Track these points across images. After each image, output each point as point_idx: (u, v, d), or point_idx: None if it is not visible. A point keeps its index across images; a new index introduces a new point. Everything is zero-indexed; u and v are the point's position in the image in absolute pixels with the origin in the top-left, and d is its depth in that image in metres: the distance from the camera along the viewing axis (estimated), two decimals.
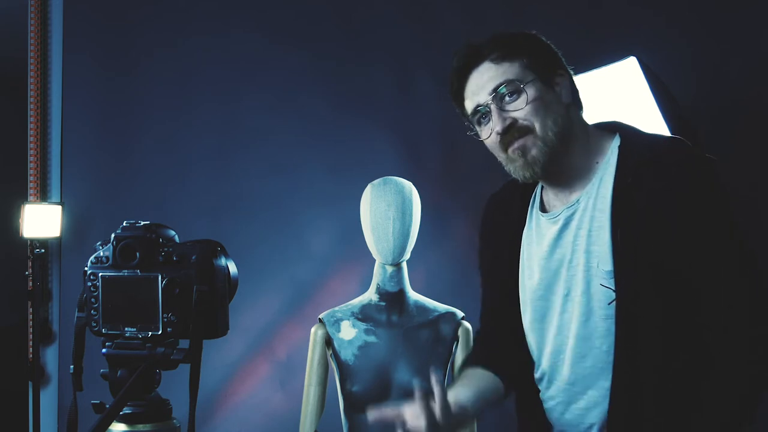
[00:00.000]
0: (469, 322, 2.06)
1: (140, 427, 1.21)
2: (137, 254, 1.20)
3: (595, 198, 1.44)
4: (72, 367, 1.23)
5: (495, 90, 1.44)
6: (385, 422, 1.37)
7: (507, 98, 1.44)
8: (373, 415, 1.38)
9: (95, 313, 1.22)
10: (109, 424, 1.13)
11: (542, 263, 1.50)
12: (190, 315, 1.18)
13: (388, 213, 1.99)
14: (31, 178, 3.18)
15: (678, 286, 1.36)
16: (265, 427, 2.95)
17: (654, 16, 2.77)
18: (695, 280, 1.36)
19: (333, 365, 2.04)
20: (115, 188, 3.11)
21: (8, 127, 4.06)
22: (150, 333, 1.20)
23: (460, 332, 2.04)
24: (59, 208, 3.05)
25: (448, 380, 2.05)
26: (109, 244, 1.22)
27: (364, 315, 2.04)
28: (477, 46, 1.49)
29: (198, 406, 1.17)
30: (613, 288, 1.39)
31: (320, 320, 2.06)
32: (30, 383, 3.11)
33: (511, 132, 1.43)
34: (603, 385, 1.42)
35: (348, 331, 2.03)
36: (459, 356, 2.03)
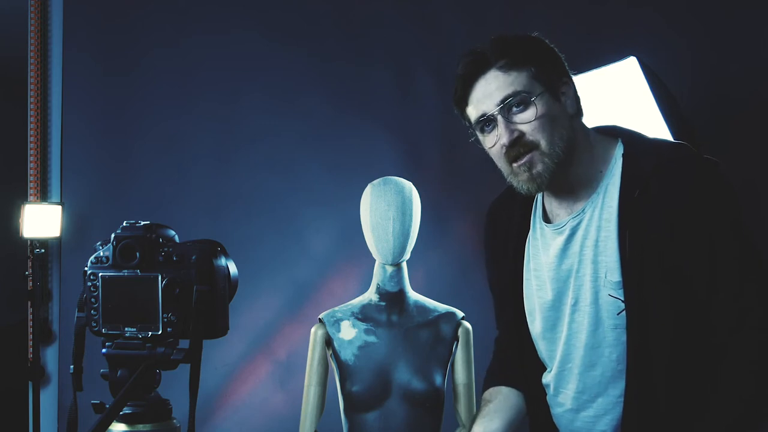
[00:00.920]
0: (469, 322, 2.06)
1: (140, 427, 1.21)
2: (137, 254, 1.20)
3: (600, 208, 1.43)
4: (72, 367, 1.23)
5: (503, 101, 1.41)
6: None
7: (515, 109, 1.41)
8: None
9: (95, 313, 1.22)
10: (109, 424, 1.13)
11: (551, 274, 1.48)
12: (190, 315, 1.18)
13: (388, 213, 1.99)
14: (31, 178, 3.18)
15: (687, 294, 1.35)
16: (265, 427, 2.95)
17: (654, 16, 2.77)
18: (705, 287, 1.35)
19: (333, 365, 2.04)
20: (115, 188, 3.11)
21: (8, 127, 4.06)
22: (150, 333, 1.20)
23: (460, 332, 2.03)
24: (59, 208, 3.05)
25: (448, 380, 2.05)
26: (109, 244, 1.22)
27: (364, 315, 2.04)
28: (483, 53, 1.45)
29: (198, 406, 1.17)
30: (622, 298, 1.38)
31: (320, 320, 2.06)
32: (30, 383, 3.11)
33: (518, 146, 1.41)
34: (613, 393, 1.42)
35: (348, 331, 2.03)
36: (459, 356, 2.03)
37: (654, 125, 2.28)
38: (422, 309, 2.06)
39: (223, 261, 1.23)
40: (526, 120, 1.41)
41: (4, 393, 3.82)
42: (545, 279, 1.50)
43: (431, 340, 2.02)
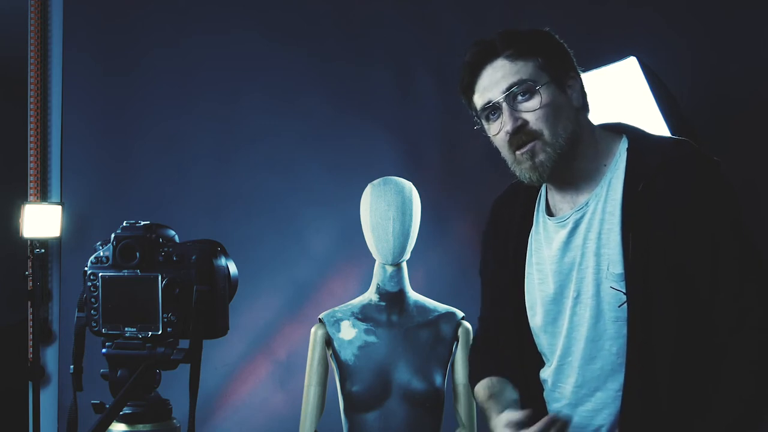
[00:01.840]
0: (469, 322, 2.06)
1: (140, 427, 1.21)
2: (137, 254, 1.20)
3: (604, 201, 1.44)
4: (72, 367, 1.23)
5: (509, 88, 1.43)
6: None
7: (520, 98, 1.43)
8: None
9: (95, 313, 1.22)
10: (109, 424, 1.13)
11: (554, 267, 1.49)
12: (190, 315, 1.18)
13: (388, 213, 1.99)
14: (31, 178, 3.18)
15: (689, 288, 1.36)
16: (265, 427, 2.95)
17: (654, 16, 2.77)
18: (706, 285, 1.35)
19: (333, 365, 2.04)
20: (115, 188, 3.11)
21: (8, 127, 4.06)
22: (150, 333, 1.20)
23: (460, 332, 2.04)
24: (59, 208, 3.05)
25: (448, 380, 2.05)
26: (109, 244, 1.22)
27: (364, 315, 2.04)
28: (491, 41, 1.46)
29: (198, 406, 1.17)
30: (624, 291, 1.38)
31: (320, 320, 2.06)
32: (30, 383, 3.11)
33: (520, 134, 1.42)
34: (611, 387, 1.42)
35: (348, 331, 2.03)
36: (459, 356, 2.03)
37: (654, 125, 2.28)
38: (422, 309, 2.06)
39: (223, 261, 1.23)
40: (531, 108, 1.42)
41: (4, 393, 3.83)
42: (547, 272, 1.50)
43: (431, 340, 2.02)
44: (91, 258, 1.24)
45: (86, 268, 1.23)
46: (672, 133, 2.27)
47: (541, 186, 1.57)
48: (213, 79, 3.12)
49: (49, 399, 3.14)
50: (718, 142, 2.42)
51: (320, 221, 3.01)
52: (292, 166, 3.05)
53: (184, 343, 1.19)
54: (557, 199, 1.52)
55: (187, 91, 3.12)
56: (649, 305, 1.36)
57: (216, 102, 3.11)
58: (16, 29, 3.34)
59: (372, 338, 2.01)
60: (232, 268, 1.25)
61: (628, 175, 1.42)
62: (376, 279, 2.06)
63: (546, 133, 1.42)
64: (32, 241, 3.06)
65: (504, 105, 1.43)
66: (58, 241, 3.13)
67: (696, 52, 2.71)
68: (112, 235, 1.22)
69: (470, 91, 1.50)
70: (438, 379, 1.99)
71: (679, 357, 1.36)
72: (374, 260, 2.06)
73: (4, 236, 3.39)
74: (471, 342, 1.74)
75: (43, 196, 3.17)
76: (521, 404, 1.58)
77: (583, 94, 1.50)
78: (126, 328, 1.21)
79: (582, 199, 1.47)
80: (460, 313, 2.07)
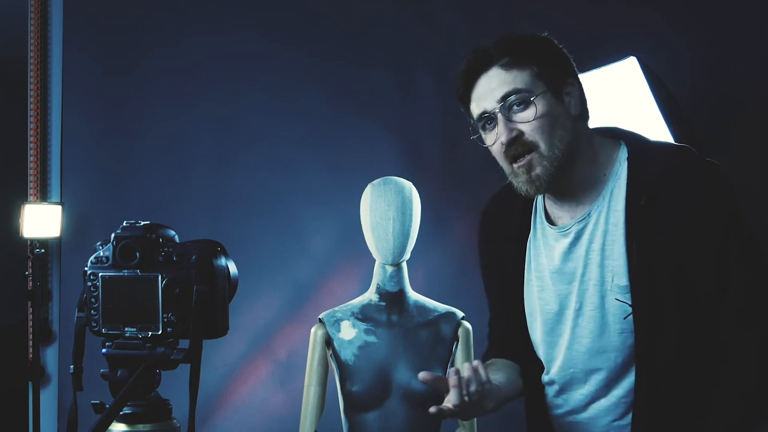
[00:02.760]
0: (469, 322, 2.05)
1: (140, 427, 1.21)
2: (137, 254, 1.20)
3: (607, 212, 1.42)
4: (72, 367, 1.23)
5: (503, 98, 1.41)
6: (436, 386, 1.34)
7: (515, 108, 1.41)
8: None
9: (95, 313, 1.22)
10: (109, 424, 1.13)
11: (554, 276, 1.48)
12: (190, 315, 1.18)
13: (388, 213, 1.99)
14: (31, 178, 3.18)
15: (693, 297, 1.35)
16: (265, 427, 2.95)
17: (654, 16, 2.77)
18: (711, 290, 1.35)
19: (333, 365, 2.04)
20: (115, 188, 3.11)
21: (8, 127, 4.06)
22: (150, 333, 1.20)
23: (460, 332, 2.03)
24: (59, 208, 3.05)
25: None
26: (109, 244, 1.22)
27: (364, 315, 2.04)
28: (486, 50, 1.44)
29: (198, 406, 1.17)
30: (629, 303, 1.37)
31: (320, 320, 2.06)
32: (30, 383, 3.11)
33: (516, 145, 1.41)
34: (615, 393, 1.42)
35: (348, 331, 2.03)
36: (459, 356, 2.03)
37: (654, 125, 2.28)
38: (422, 309, 2.05)
39: (223, 261, 1.23)
40: (526, 119, 1.40)
41: (4, 393, 3.82)
42: (547, 281, 1.49)
43: (431, 340, 2.02)
44: (91, 258, 1.24)
45: (86, 268, 1.23)
46: (672, 134, 2.26)
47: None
48: (213, 79, 3.12)
49: (49, 399, 3.14)
50: (718, 142, 2.42)
51: (320, 221, 3.01)
52: (292, 166, 3.05)
53: (184, 343, 1.19)
54: (556, 208, 1.51)
55: (187, 91, 3.12)
56: (655, 316, 1.35)
57: (216, 102, 3.11)
58: (16, 29, 3.34)
59: (372, 338, 2.01)
60: (232, 268, 1.25)
61: (630, 185, 1.40)
62: (376, 279, 2.06)
63: (542, 145, 1.39)
64: (32, 241, 3.06)
65: (499, 115, 1.41)
66: (58, 241, 3.13)
67: (696, 52, 2.71)
68: (112, 235, 1.22)
69: (467, 99, 1.48)
70: None
71: (686, 365, 1.36)
72: (374, 260, 2.06)
73: (4, 236, 3.39)
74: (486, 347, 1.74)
75: (43, 196, 3.17)
76: (526, 403, 1.59)
77: (582, 101, 1.47)
78: (126, 328, 1.21)
79: (583, 209, 1.45)
80: (460, 313, 2.06)
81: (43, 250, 3.08)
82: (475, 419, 2.05)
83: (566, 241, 1.46)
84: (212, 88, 3.12)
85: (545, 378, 1.54)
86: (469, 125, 1.52)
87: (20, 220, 2.99)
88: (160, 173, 3.09)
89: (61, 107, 3.19)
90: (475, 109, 1.47)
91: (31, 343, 3.09)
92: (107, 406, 1.14)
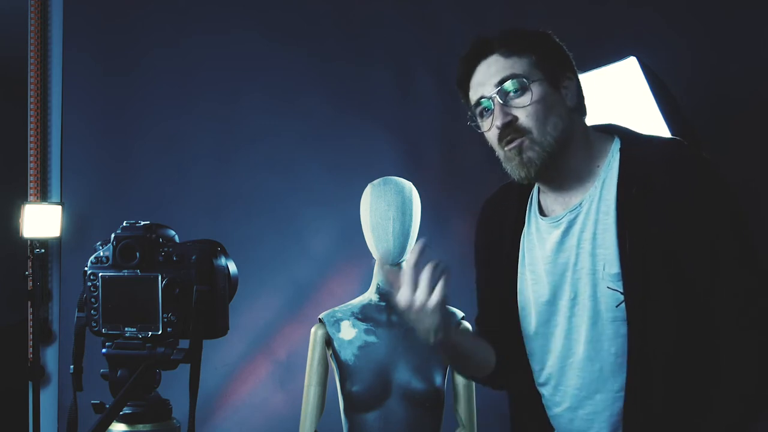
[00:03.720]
0: (469, 322, 2.06)
1: (140, 427, 1.21)
2: (137, 254, 1.20)
3: (598, 201, 1.43)
4: (72, 367, 1.23)
5: (500, 83, 1.43)
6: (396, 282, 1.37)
7: (512, 93, 1.43)
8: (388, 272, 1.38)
9: (95, 313, 1.22)
10: (109, 424, 1.13)
11: (547, 267, 1.49)
12: (190, 315, 1.18)
13: (388, 213, 1.99)
14: (31, 178, 3.19)
15: (686, 285, 1.36)
16: (265, 427, 2.95)
17: (654, 16, 2.77)
18: (705, 281, 1.35)
19: (333, 365, 2.04)
20: (115, 188, 3.11)
21: (8, 127, 4.06)
22: (150, 333, 1.19)
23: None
24: (59, 208, 3.05)
25: (448, 380, 2.05)
26: (109, 244, 1.22)
27: (364, 315, 2.04)
28: (487, 38, 1.48)
29: (198, 406, 1.17)
30: (621, 290, 1.38)
31: (320, 320, 2.06)
32: (30, 383, 3.11)
33: (509, 129, 1.43)
34: (611, 388, 1.42)
35: (348, 331, 2.03)
36: None
37: (654, 125, 2.28)
38: None
39: (223, 261, 1.23)
40: (522, 104, 1.42)
41: (4, 393, 3.83)
42: (541, 273, 1.50)
43: None
44: (91, 258, 1.23)
45: (86, 268, 1.23)
46: (672, 134, 2.27)
47: (532, 186, 1.57)
48: (213, 79, 3.13)
49: (49, 399, 3.14)
50: (718, 142, 2.42)
51: (320, 221, 3.01)
52: (292, 166, 3.05)
53: (184, 343, 1.19)
54: (549, 200, 1.52)
55: (187, 91, 3.13)
56: (646, 304, 1.36)
57: (216, 102, 3.11)
58: (16, 29, 3.34)
59: (372, 338, 2.01)
60: (232, 268, 1.25)
61: (622, 175, 1.42)
62: (376, 279, 2.06)
63: (535, 131, 1.41)
64: (32, 241, 3.06)
65: (495, 99, 1.44)
66: (58, 241, 3.13)
67: (696, 52, 2.71)
68: (112, 235, 1.22)
69: (465, 86, 1.51)
70: (438, 379, 1.99)
71: (678, 354, 1.36)
72: (374, 260, 2.06)
73: (4, 236, 3.39)
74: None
75: (43, 196, 3.17)
76: (517, 412, 1.59)
77: (580, 97, 1.50)
78: (126, 328, 1.21)
79: (575, 199, 1.47)
80: (460, 313, 2.06)
81: (43, 250, 3.08)
82: (475, 420, 2.05)
83: (558, 232, 1.47)
84: (212, 88, 3.12)
85: (540, 378, 1.54)
86: (469, 121, 1.53)
87: (20, 220, 2.99)
88: (160, 173, 3.09)
89: (61, 107, 3.19)
90: (473, 95, 1.49)
91: (31, 343, 3.10)
92: (107, 406, 1.14)
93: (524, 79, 1.42)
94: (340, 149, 3.03)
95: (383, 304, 2.03)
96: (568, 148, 1.45)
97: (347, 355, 2.00)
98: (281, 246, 3.02)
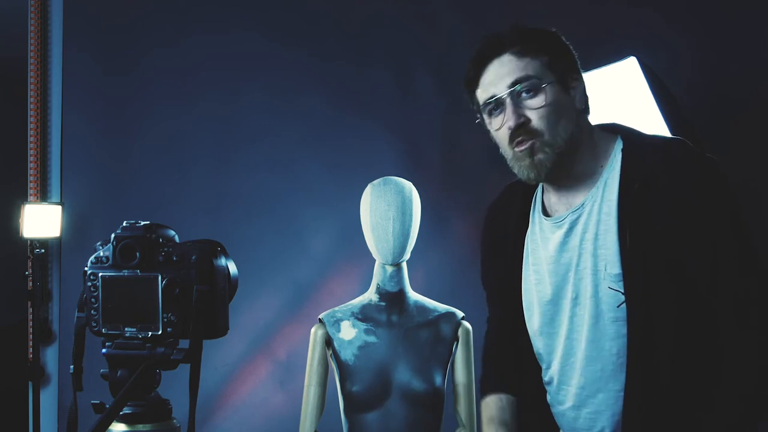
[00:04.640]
0: (469, 322, 2.06)
1: (140, 427, 1.21)
2: (137, 254, 1.20)
3: (600, 202, 1.44)
4: (72, 367, 1.23)
5: (514, 84, 1.43)
6: None
7: (524, 94, 1.43)
8: None
9: (95, 313, 1.22)
10: (109, 424, 1.13)
11: (550, 267, 1.49)
12: (190, 315, 1.18)
13: (388, 213, 1.99)
14: (31, 178, 3.18)
15: (687, 286, 1.36)
16: (265, 427, 2.95)
17: (654, 16, 2.77)
18: (705, 281, 1.35)
19: (333, 365, 2.04)
20: (115, 188, 3.11)
21: (8, 127, 4.06)
22: (150, 333, 1.19)
23: (460, 332, 2.03)
24: (59, 208, 3.05)
25: (448, 380, 2.05)
26: (109, 244, 1.22)
27: (364, 315, 2.04)
28: (499, 37, 1.47)
29: (198, 406, 1.17)
30: (622, 291, 1.38)
31: (320, 320, 2.06)
32: (30, 383, 3.11)
33: (521, 130, 1.43)
34: (612, 387, 1.42)
35: (348, 331, 2.03)
36: (459, 356, 2.03)
37: (654, 125, 2.28)
38: (422, 309, 2.05)
39: (223, 261, 1.23)
40: (534, 106, 1.42)
41: (4, 393, 3.83)
42: (544, 273, 1.50)
43: (431, 340, 2.02)
44: (91, 258, 1.23)
45: (86, 268, 1.23)
46: (672, 134, 2.27)
47: (537, 186, 1.57)
48: (213, 79, 3.12)
49: (49, 399, 3.14)
50: (718, 142, 2.42)
51: (320, 221, 3.01)
52: (292, 166, 3.05)
53: (184, 343, 1.19)
54: (553, 200, 1.52)
55: (187, 91, 3.13)
56: (647, 304, 1.36)
57: (216, 102, 3.11)
58: (16, 29, 3.34)
59: (372, 338, 2.01)
60: (232, 268, 1.25)
61: (624, 175, 1.42)
62: (376, 279, 2.06)
63: (546, 133, 1.42)
64: (32, 241, 3.06)
65: (508, 100, 1.43)
66: (58, 241, 3.13)
67: (696, 52, 2.71)
68: (112, 235, 1.22)
69: (474, 84, 1.50)
70: (438, 379, 1.99)
71: (679, 354, 1.36)
72: (374, 260, 2.06)
73: (4, 236, 3.39)
74: (483, 343, 1.74)
75: (43, 196, 3.17)
76: (522, 410, 1.59)
77: (585, 97, 1.50)
78: (126, 328, 1.21)
79: (578, 200, 1.47)
80: (460, 313, 2.06)
81: (43, 250, 3.08)
82: (475, 420, 2.05)
83: (561, 232, 1.47)
84: (212, 88, 3.12)
85: (545, 377, 1.54)
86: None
87: (20, 220, 2.99)
88: (160, 173, 3.09)
89: (61, 107, 3.19)
90: (483, 93, 1.48)
91: (31, 343, 3.09)
92: (107, 406, 1.14)
93: (537, 81, 1.42)
94: (340, 149, 3.03)
95: (383, 304, 2.03)
96: (575, 149, 1.45)
97: (347, 355, 2.00)
98: (281, 246, 3.02)
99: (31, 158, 3.19)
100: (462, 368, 2.03)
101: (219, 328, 1.22)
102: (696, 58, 2.70)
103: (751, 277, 1.35)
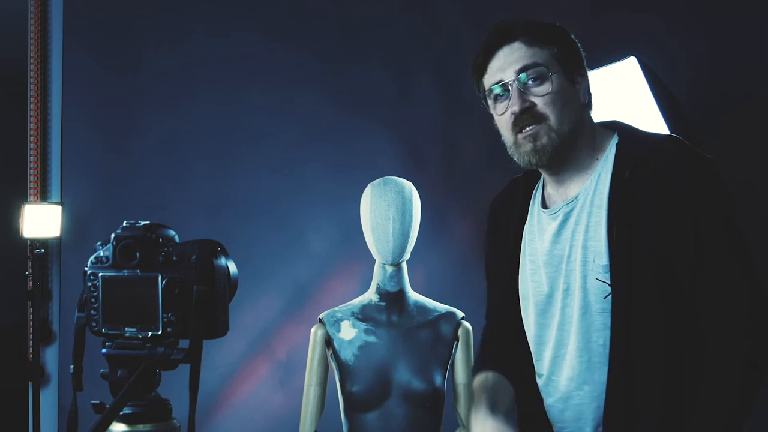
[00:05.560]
0: (469, 322, 2.06)
1: (140, 427, 1.21)
2: (137, 254, 1.20)
3: (593, 194, 1.46)
4: (72, 367, 1.23)
5: (522, 70, 1.45)
6: None
7: (531, 82, 1.45)
8: None
9: (95, 313, 1.22)
10: (109, 424, 1.13)
11: (545, 259, 1.51)
12: (190, 315, 1.18)
13: (388, 213, 1.99)
14: (31, 178, 3.18)
15: (674, 280, 1.37)
16: (265, 427, 2.95)
17: (654, 17, 2.78)
18: (692, 273, 1.36)
19: (333, 365, 2.04)
20: (115, 188, 3.11)
21: (8, 127, 4.06)
22: (150, 333, 1.20)
23: (460, 332, 2.04)
24: (59, 208, 3.05)
25: (448, 380, 2.05)
26: (109, 244, 1.22)
27: (364, 315, 2.04)
28: (510, 24, 1.50)
29: (198, 406, 1.17)
30: (608, 282, 1.40)
31: (320, 320, 2.06)
32: (30, 383, 3.11)
33: (526, 115, 1.44)
34: (599, 379, 1.43)
35: (348, 331, 2.03)
36: (459, 356, 2.03)
37: (654, 125, 2.28)
38: (422, 309, 2.06)
39: (223, 261, 1.23)
40: (540, 93, 1.45)
41: (4, 393, 3.82)
42: (539, 264, 1.52)
43: (431, 340, 2.02)
44: (91, 258, 1.23)
45: (86, 268, 1.23)
46: (672, 133, 2.27)
47: (539, 178, 1.59)
48: (213, 79, 3.12)
49: (49, 399, 3.14)
50: (718, 142, 2.42)
51: (320, 221, 3.01)
52: (292, 166, 3.05)
53: (184, 343, 1.19)
54: (552, 192, 1.55)
55: (187, 91, 3.12)
56: (632, 296, 1.37)
57: (216, 102, 3.11)
58: (16, 29, 3.34)
59: (372, 338, 2.01)
60: (232, 268, 1.25)
61: (616, 168, 1.44)
62: (376, 279, 2.06)
63: (552, 118, 1.44)
64: (32, 241, 3.06)
65: (515, 85, 1.46)
66: (58, 241, 3.13)
67: (696, 52, 2.71)
68: (112, 235, 1.22)
69: (482, 69, 1.53)
70: (438, 379, 1.99)
71: (663, 348, 1.37)
72: (374, 260, 2.06)
73: (4, 236, 3.39)
74: (480, 337, 1.74)
75: (43, 196, 3.17)
76: (517, 400, 1.59)
77: (589, 94, 1.53)
78: (126, 328, 1.21)
79: (573, 192, 1.49)
80: (460, 313, 2.07)
81: (43, 250, 3.08)
82: None
83: (555, 224, 1.50)
84: (212, 88, 3.12)
85: (539, 369, 1.55)
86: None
87: (20, 220, 2.99)
88: (160, 173, 3.09)
89: (61, 107, 3.19)
90: (490, 79, 1.51)
91: (31, 343, 3.09)
92: (107, 406, 1.14)
93: (545, 69, 1.45)
94: (340, 149, 3.03)
95: (383, 304, 2.03)
96: (576, 140, 1.48)
97: (347, 355, 2.00)
98: (281, 246, 3.02)
99: (31, 158, 3.19)
100: (462, 368, 2.03)
101: (219, 328, 1.22)
102: (696, 58, 2.71)
103: (740, 271, 1.35)
